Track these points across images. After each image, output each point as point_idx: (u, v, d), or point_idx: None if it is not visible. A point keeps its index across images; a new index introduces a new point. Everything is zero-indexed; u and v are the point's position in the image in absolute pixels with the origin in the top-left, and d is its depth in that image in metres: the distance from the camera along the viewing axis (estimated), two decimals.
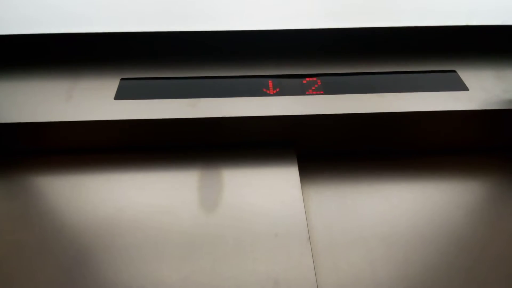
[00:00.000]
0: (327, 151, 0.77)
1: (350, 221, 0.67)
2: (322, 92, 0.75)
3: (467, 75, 0.78)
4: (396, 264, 0.62)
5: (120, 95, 0.74)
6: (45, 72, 0.78)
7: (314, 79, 0.77)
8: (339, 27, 0.80)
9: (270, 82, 0.76)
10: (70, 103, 0.72)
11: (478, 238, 0.65)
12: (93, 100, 0.73)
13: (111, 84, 0.75)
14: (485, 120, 0.74)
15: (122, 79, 0.77)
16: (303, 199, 0.67)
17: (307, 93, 0.75)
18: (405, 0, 0.86)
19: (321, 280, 0.59)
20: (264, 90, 0.75)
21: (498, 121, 0.74)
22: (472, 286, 0.59)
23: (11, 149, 0.74)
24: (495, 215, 0.68)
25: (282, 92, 0.75)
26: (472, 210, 0.69)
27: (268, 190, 0.68)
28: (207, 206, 0.66)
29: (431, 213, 0.68)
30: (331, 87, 0.75)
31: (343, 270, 0.61)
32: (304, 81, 0.77)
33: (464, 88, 0.76)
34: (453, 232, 0.66)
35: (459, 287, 0.59)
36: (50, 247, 0.61)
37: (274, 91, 0.75)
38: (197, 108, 0.71)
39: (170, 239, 0.62)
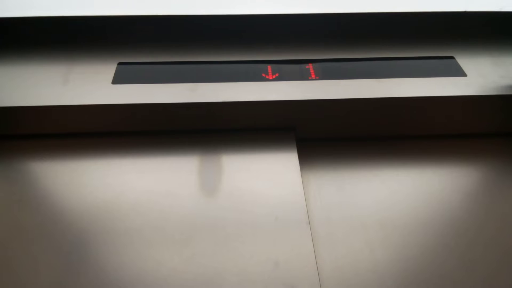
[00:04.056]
0: (326, 136, 0.77)
1: (349, 205, 0.68)
2: (319, 78, 0.74)
3: (465, 61, 0.79)
4: (394, 248, 0.62)
5: (118, 79, 0.73)
6: (42, 56, 0.77)
7: (314, 64, 0.77)
8: (338, 12, 0.80)
9: (269, 67, 0.76)
10: (67, 87, 0.71)
11: (473, 222, 0.66)
12: (90, 84, 0.72)
13: (108, 68, 0.75)
14: (482, 106, 0.74)
15: (119, 63, 0.76)
16: (303, 184, 0.67)
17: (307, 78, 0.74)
18: None
19: (320, 262, 0.59)
20: (263, 75, 0.75)
21: (495, 106, 0.74)
22: (467, 268, 0.61)
23: (9, 134, 0.73)
24: (490, 199, 0.69)
25: (281, 77, 0.75)
26: (468, 194, 0.70)
27: (268, 175, 0.68)
28: (207, 190, 0.66)
29: (428, 198, 0.69)
30: (329, 73, 0.75)
31: (342, 253, 0.62)
32: (306, 66, 0.76)
33: (462, 74, 0.76)
34: (449, 215, 0.67)
35: (455, 269, 0.60)
36: (49, 232, 0.61)
37: (273, 76, 0.75)
38: (196, 92, 0.71)
39: (170, 223, 0.62)
